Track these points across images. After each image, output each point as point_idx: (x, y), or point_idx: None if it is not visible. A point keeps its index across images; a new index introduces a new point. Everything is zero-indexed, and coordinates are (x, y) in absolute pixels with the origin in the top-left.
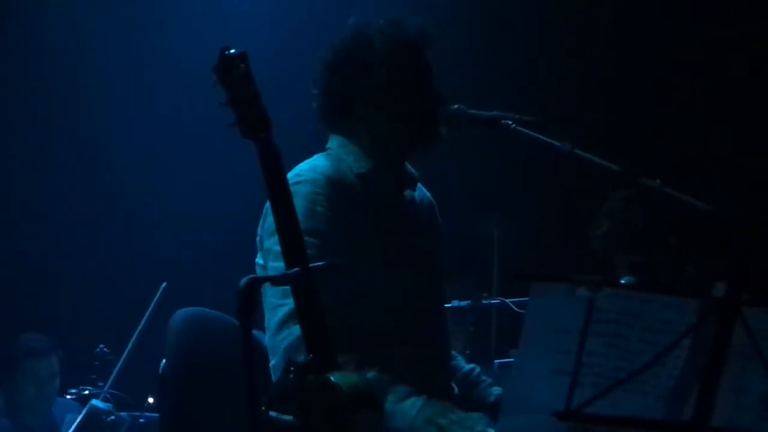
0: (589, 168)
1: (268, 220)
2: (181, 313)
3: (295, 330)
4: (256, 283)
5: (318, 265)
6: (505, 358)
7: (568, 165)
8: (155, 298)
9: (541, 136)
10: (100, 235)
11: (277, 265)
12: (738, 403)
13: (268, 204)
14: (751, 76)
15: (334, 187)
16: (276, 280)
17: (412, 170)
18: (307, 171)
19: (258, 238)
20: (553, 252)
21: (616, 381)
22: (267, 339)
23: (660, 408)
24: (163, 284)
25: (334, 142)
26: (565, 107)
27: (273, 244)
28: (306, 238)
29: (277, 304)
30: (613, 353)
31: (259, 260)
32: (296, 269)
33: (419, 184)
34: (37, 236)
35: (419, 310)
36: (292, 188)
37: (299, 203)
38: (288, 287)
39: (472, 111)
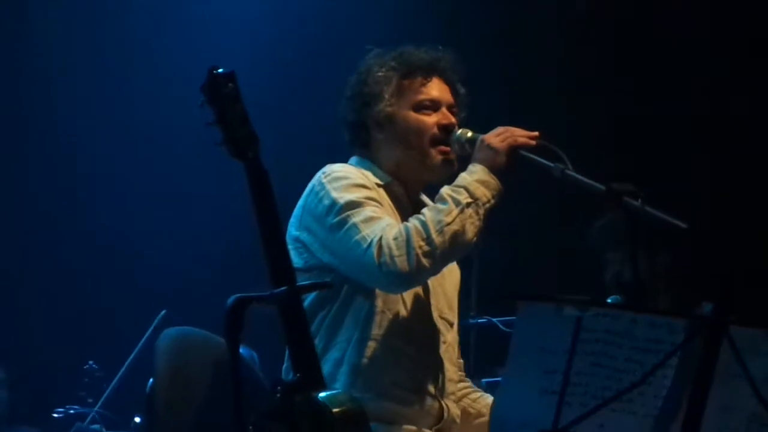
0: (575, 188)
1: (319, 207)
2: (169, 332)
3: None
4: (244, 302)
5: (306, 284)
6: (492, 377)
7: (552, 184)
8: (153, 325)
9: (538, 158)
10: (101, 255)
11: (375, 228)
12: (725, 423)
13: (309, 193)
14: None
15: (366, 181)
16: (263, 300)
17: (427, 200)
18: (337, 165)
19: (302, 226)
20: (534, 271)
21: (604, 400)
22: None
23: (647, 427)
24: (163, 312)
25: (353, 160)
26: (550, 124)
27: (352, 215)
28: (371, 205)
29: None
30: (600, 372)
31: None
32: (283, 288)
33: None
34: (36, 250)
35: (424, 329)
36: (331, 176)
37: (342, 183)
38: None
39: (476, 134)
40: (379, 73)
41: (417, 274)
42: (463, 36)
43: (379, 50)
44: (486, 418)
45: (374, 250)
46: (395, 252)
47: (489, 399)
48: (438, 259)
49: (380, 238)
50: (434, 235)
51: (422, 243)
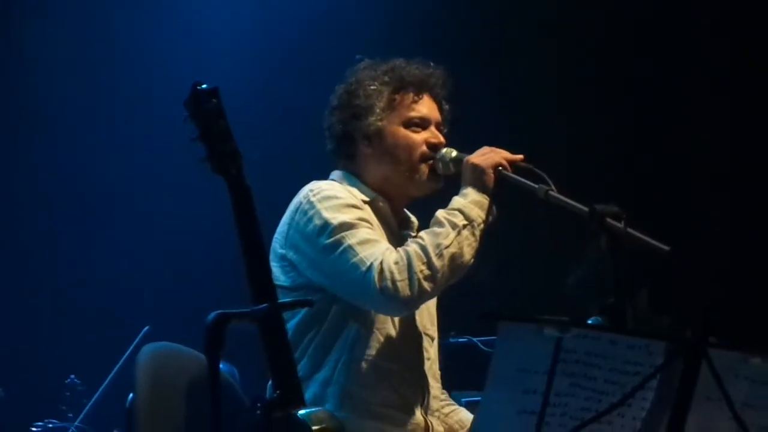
0: (558, 209)
1: (309, 227)
2: (149, 347)
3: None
4: (224, 319)
5: (287, 302)
6: (471, 397)
7: (535, 205)
8: (136, 340)
9: (521, 179)
10: (85, 270)
11: (373, 251)
12: None
13: (296, 211)
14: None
15: (354, 200)
16: (244, 316)
17: (410, 215)
18: (324, 183)
19: (289, 244)
20: (515, 292)
21: (583, 421)
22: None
23: None
24: (146, 328)
25: (336, 174)
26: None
27: (347, 237)
28: (364, 226)
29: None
30: (580, 393)
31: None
32: (264, 305)
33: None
34: (17, 265)
35: (411, 347)
36: (320, 195)
37: (333, 203)
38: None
39: (460, 154)
40: (372, 87)
41: (419, 298)
42: (454, 50)
43: (370, 61)
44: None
45: (375, 274)
46: (397, 277)
47: (462, 413)
48: (439, 282)
49: (381, 262)
50: (434, 259)
51: (423, 267)
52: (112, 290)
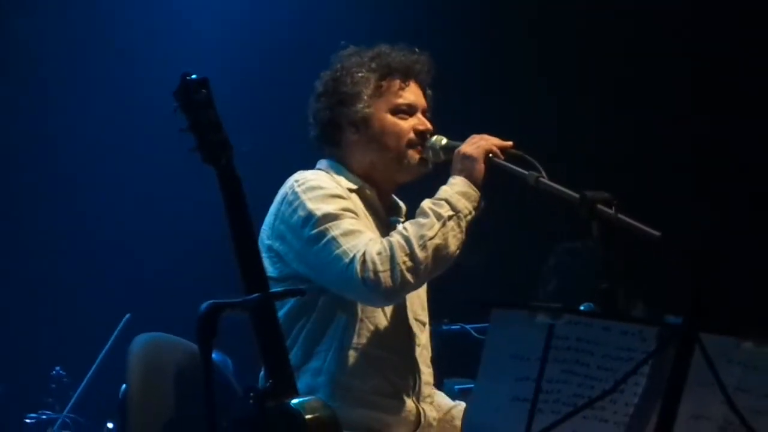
0: (549, 196)
1: (293, 218)
2: (141, 337)
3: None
4: (217, 309)
5: (279, 291)
6: (464, 384)
7: (525, 191)
8: (118, 329)
9: (512, 166)
10: (63, 259)
11: (356, 242)
12: (697, 430)
13: (282, 201)
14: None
15: (340, 190)
16: (236, 306)
17: (399, 201)
18: (309, 173)
19: (275, 235)
20: (509, 278)
21: (575, 408)
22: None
23: None
24: (127, 315)
25: (322, 163)
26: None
27: (331, 228)
28: (348, 217)
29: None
30: (573, 380)
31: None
32: (256, 295)
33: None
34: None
35: (402, 334)
36: (305, 185)
37: (317, 194)
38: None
39: (450, 141)
40: (359, 74)
41: (401, 289)
42: (439, 35)
43: (355, 48)
44: (438, 415)
45: (357, 265)
46: (380, 267)
47: (439, 397)
48: (422, 273)
49: (363, 253)
50: (417, 250)
51: (406, 258)
52: (93, 279)
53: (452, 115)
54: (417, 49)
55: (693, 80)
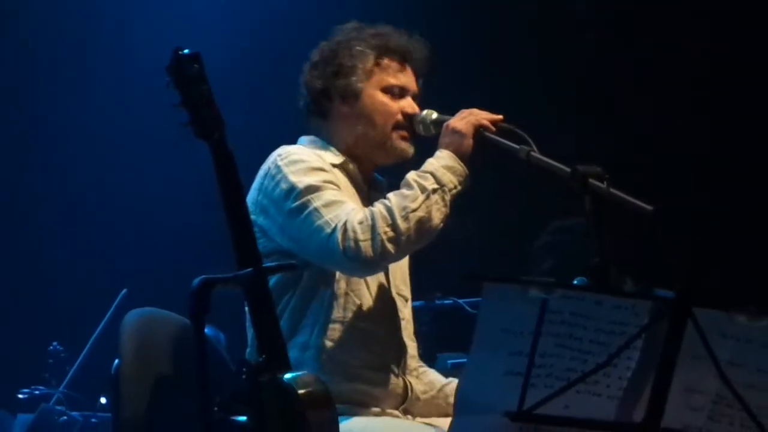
0: (540, 170)
1: (276, 191)
2: (134, 313)
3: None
4: (209, 284)
5: (272, 266)
6: (457, 359)
7: (518, 165)
8: (114, 304)
9: (503, 140)
10: (61, 235)
11: (338, 212)
12: (689, 404)
13: (265, 176)
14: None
15: (322, 163)
16: (229, 281)
17: (380, 177)
18: (292, 147)
19: (259, 210)
20: (501, 252)
21: (569, 382)
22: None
23: (612, 409)
24: (124, 290)
25: (305, 139)
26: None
27: (313, 200)
28: (330, 188)
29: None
30: (566, 354)
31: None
32: (249, 269)
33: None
34: None
35: (386, 308)
36: (287, 159)
37: (299, 167)
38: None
39: (441, 116)
40: (358, 47)
41: (381, 260)
42: (436, 13)
43: (357, 24)
44: (431, 392)
45: (339, 234)
46: (360, 237)
47: (432, 374)
48: (403, 245)
49: (345, 223)
50: (399, 221)
51: (387, 228)
52: (90, 255)
53: (444, 93)
54: (418, 36)
55: (693, 80)
